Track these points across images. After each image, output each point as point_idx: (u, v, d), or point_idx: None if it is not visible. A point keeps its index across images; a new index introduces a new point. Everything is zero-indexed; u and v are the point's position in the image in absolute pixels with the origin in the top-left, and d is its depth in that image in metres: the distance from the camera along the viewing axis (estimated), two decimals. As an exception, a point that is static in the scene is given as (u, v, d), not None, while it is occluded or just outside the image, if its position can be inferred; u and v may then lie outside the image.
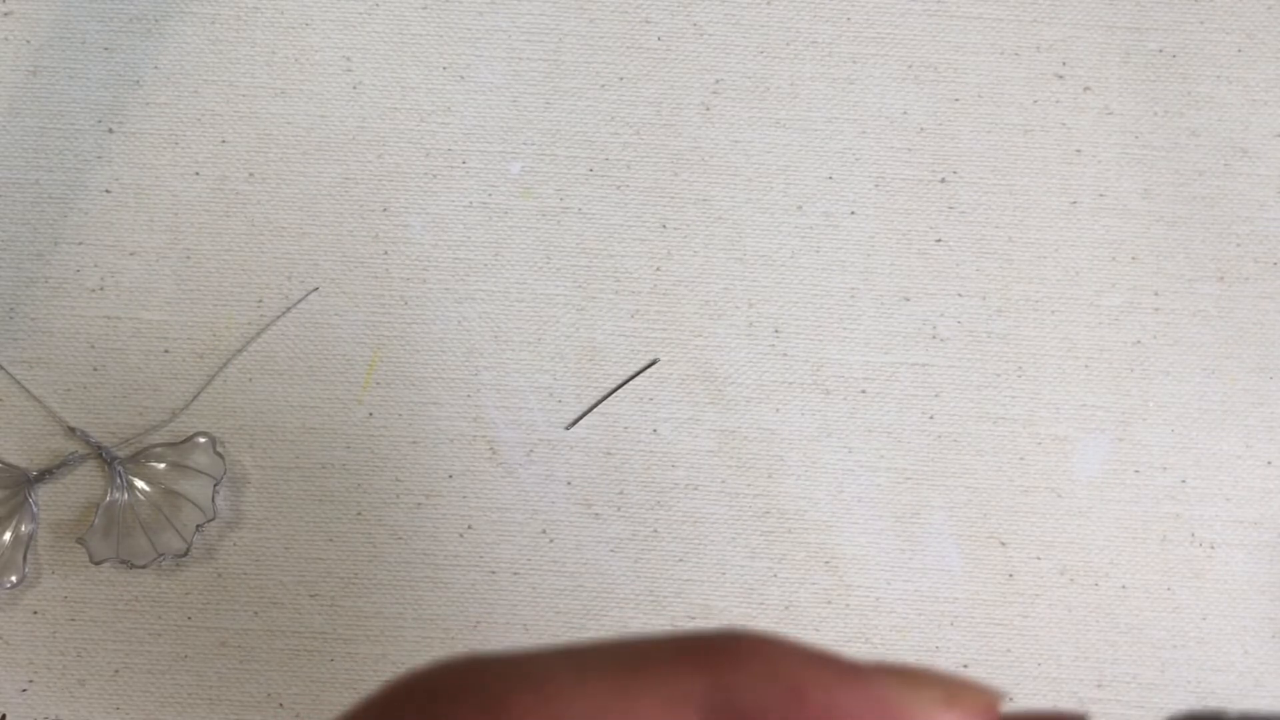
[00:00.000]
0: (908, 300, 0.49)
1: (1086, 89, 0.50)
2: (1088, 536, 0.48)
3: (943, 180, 0.50)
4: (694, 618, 0.48)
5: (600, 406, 0.48)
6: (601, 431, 0.48)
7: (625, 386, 0.48)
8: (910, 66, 0.50)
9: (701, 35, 0.50)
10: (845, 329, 0.49)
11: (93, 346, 0.48)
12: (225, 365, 0.48)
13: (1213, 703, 0.47)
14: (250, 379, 0.48)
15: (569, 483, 0.48)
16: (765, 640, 0.17)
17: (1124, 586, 0.47)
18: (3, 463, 0.47)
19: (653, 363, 0.48)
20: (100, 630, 0.46)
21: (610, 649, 0.18)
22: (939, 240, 0.49)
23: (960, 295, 0.49)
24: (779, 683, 0.17)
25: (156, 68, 0.50)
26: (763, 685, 0.17)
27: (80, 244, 0.49)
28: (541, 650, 0.18)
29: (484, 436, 0.48)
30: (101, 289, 0.49)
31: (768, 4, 0.51)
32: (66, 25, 0.50)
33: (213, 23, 0.50)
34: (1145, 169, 0.50)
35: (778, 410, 0.48)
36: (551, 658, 0.18)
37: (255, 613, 0.47)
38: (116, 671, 0.46)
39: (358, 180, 0.50)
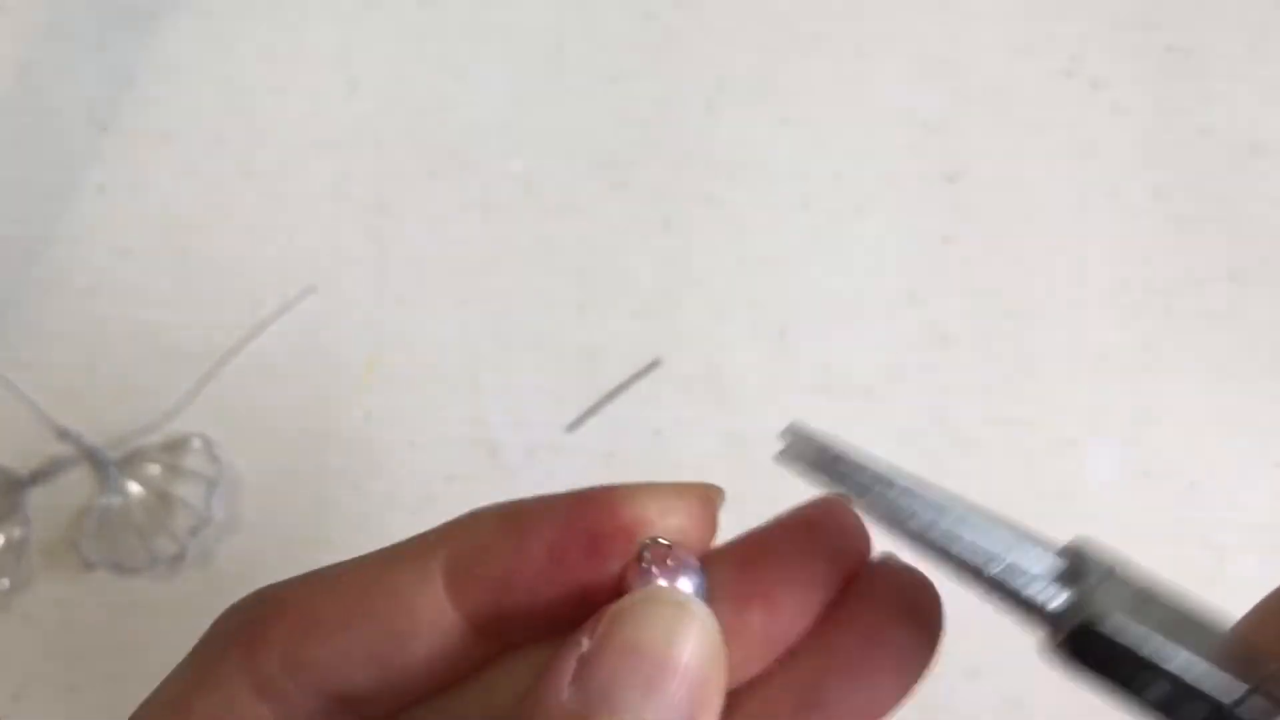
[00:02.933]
0: (915, 300, 0.48)
1: (1097, 86, 0.50)
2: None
3: (951, 179, 0.49)
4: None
5: (602, 408, 0.47)
6: (603, 433, 0.47)
7: (628, 388, 0.48)
8: (918, 63, 0.50)
9: (705, 30, 0.50)
10: (852, 329, 0.48)
11: (85, 347, 0.48)
12: (220, 366, 0.48)
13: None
14: (246, 380, 0.47)
15: (571, 486, 0.47)
16: (492, 508, 0.21)
17: (1135, 591, 0.47)
18: (-7, 466, 0.46)
19: (653, 363, 0.48)
20: (94, 636, 0.45)
21: (389, 547, 0.21)
22: (947, 239, 0.49)
23: (969, 295, 0.48)
24: (505, 531, 0.20)
25: (150, 64, 0.49)
26: (492, 540, 0.20)
27: (72, 243, 0.48)
28: (340, 563, 0.21)
29: (484, 439, 0.47)
30: (94, 289, 0.48)
31: (772, -1, 0.50)
32: (59, 21, 0.50)
33: (207, 18, 0.50)
34: (1156, 167, 0.49)
35: (783, 413, 0.47)
36: (343, 564, 0.21)
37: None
38: (110, 678, 0.45)
39: (355, 178, 0.49)
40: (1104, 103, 0.50)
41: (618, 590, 0.20)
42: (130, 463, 0.46)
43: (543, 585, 0.20)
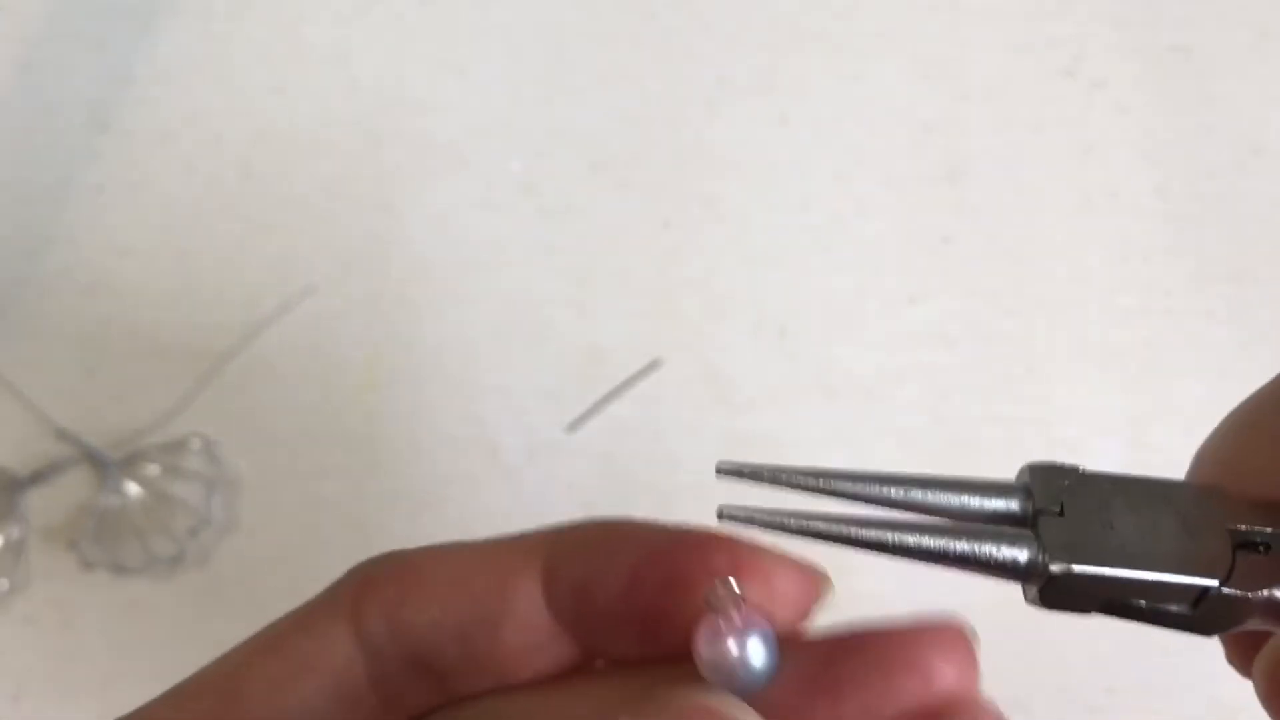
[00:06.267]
0: (916, 300, 0.48)
1: (1098, 85, 0.50)
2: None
3: (951, 178, 0.49)
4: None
5: (603, 409, 0.47)
6: (604, 434, 0.47)
7: (628, 388, 0.47)
8: (918, 63, 0.50)
9: (706, 30, 0.50)
10: (852, 330, 0.48)
11: (84, 347, 0.47)
12: (220, 367, 0.47)
13: (1223, 711, 0.47)
14: (246, 381, 0.47)
15: (570, 486, 0.47)
16: (599, 519, 0.21)
17: (1135, 592, 0.47)
18: (-7, 466, 0.46)
19: (653, 363, 0.48)
20: (92, 637, 0.45)
21: (499, 536, 0.21)
22: (947, 239, 0.49)
23: (969, 295, 0.48)
24: (599, 542, 0.20)
25: (149, 63, 0.49)
26: (585, 548, 0.20)
27: (72, 243, 0.48)
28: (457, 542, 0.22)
29: (484, 439, 0.47)
30: (94, 289, 0.48)
31: (773, -1, 0.50)
32: (58, 20, 0.50)
33: (207, 18, 0.50)
34: (1157, 167, 0.49)
35: (784, 413, 0.47)
36: (454, 545, 0.22)
37: (250, 620, 0.46)
38: (108, 679, 0.45)
39: (355, 178, 0.49)
40: (1104, 103, 0.50)
41: (690, 634, 0.19)
42: (130, 463, 0.46)
43: (620, 604, 0.20)
